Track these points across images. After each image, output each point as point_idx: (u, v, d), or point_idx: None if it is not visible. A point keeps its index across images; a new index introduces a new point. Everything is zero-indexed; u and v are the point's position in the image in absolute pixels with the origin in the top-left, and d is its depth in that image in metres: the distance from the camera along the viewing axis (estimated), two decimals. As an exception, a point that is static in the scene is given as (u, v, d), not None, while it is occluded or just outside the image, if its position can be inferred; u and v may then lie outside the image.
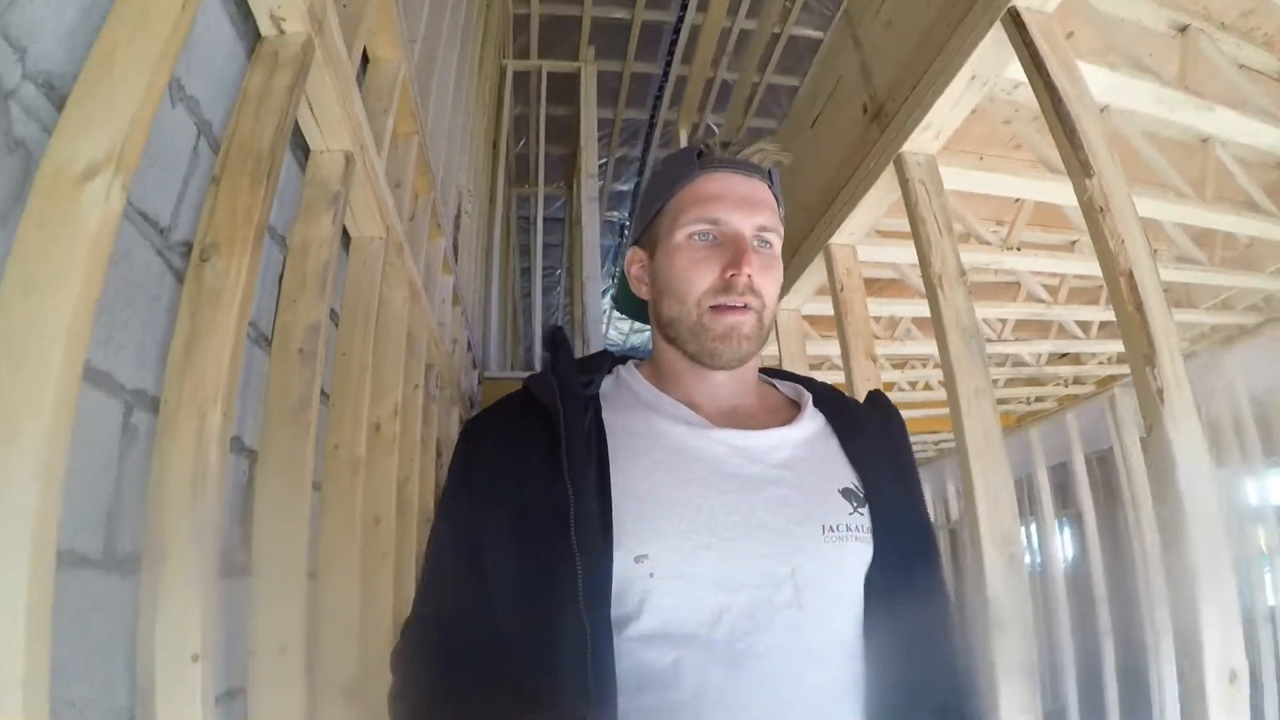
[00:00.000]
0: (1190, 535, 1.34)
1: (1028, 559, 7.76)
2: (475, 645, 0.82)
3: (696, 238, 0.93)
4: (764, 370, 1.06)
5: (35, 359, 0.74)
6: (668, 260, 0.95)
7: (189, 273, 1.16)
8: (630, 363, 1.03)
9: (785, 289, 3.07)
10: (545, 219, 7.67)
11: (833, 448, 0.95)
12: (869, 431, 0.99)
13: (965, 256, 3.20)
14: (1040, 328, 5.05)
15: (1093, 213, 1.53)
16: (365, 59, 2.15)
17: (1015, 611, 1.73)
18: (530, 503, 0.82)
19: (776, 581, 0.81)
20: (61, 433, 0.76)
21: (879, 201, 2.41)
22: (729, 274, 0.90)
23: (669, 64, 7.44)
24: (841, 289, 2.60)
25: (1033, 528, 7.90)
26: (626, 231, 10.45)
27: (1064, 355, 5.79)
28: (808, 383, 1.06)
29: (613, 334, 13.61)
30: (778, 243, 0.96)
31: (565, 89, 7.13)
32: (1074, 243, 3.65)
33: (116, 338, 1.05)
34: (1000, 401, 6.64)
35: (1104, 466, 7.32)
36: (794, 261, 2.94)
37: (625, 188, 9.56)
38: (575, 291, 7.44)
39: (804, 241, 2.86)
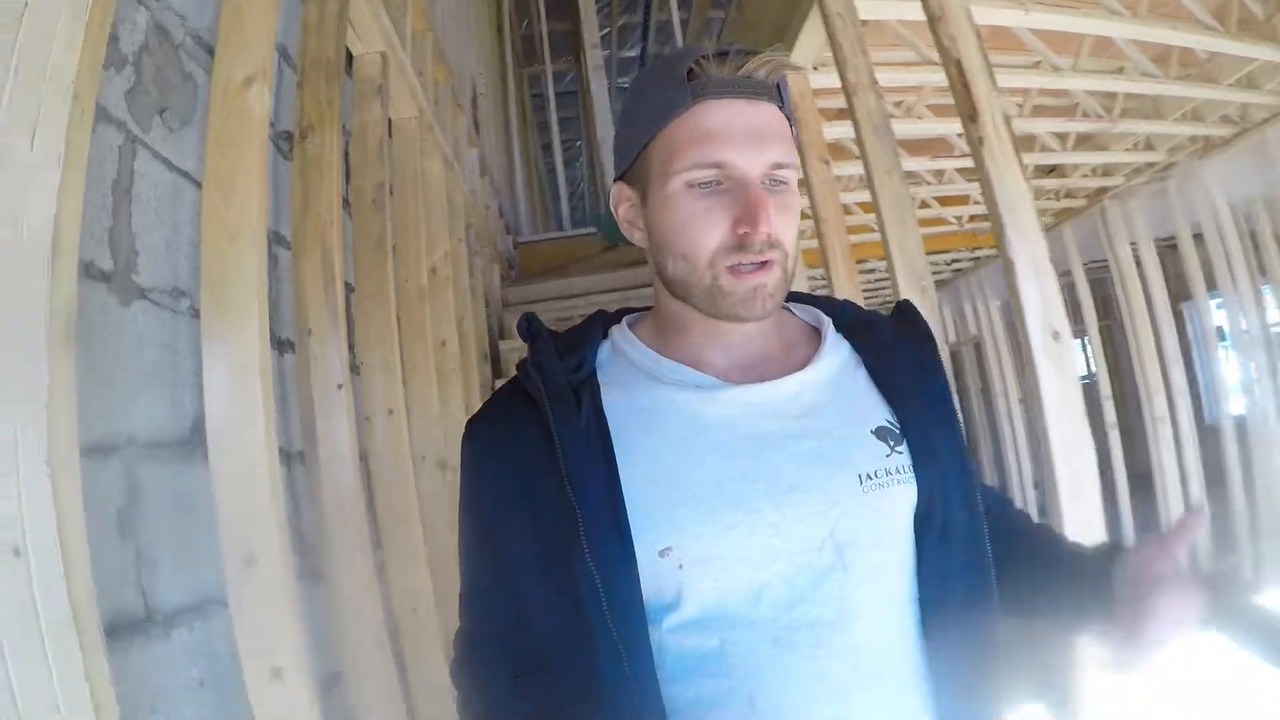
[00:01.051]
0: (1008, 237, 1.89)
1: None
2: (521, 662, 0.78)
3: (698, 187, 0.78)
4: None
5: (240, 188, 1.31)
6: (664, 212, 0.80)
7: (294, 149, 1.72)
8: (625, 321, 0.91)
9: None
10: (559, 94, 8.02)
11: (861, 380, 0.85)
12: (898, 353, 0.88)
13: (930, 77, 3.61)
14: (1020, 143, 5.27)
15: (933, 21, 2.01)
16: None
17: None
18: (542, 513, 0.77)
19: (815, 546, 0.75)
20: (262, 232, 1.33)
21: (814, 32, 2.85)
22: (742, 231, 0.76)
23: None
24: (795, 109, 3.06)
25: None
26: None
27: (1051, 169, 6.05)
28: (827, 305, 0.94)
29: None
30: (794, 177, 0.81)
31: (560, -35, 7.40)
32: (1036, 63, 3.96)
33: (260, 194, 1.63)
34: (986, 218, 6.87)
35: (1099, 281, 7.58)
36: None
37: (632, 54, 9.82)
38: (594, 159, 7.87)
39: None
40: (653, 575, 0.74)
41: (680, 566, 0.74)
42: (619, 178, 0.86)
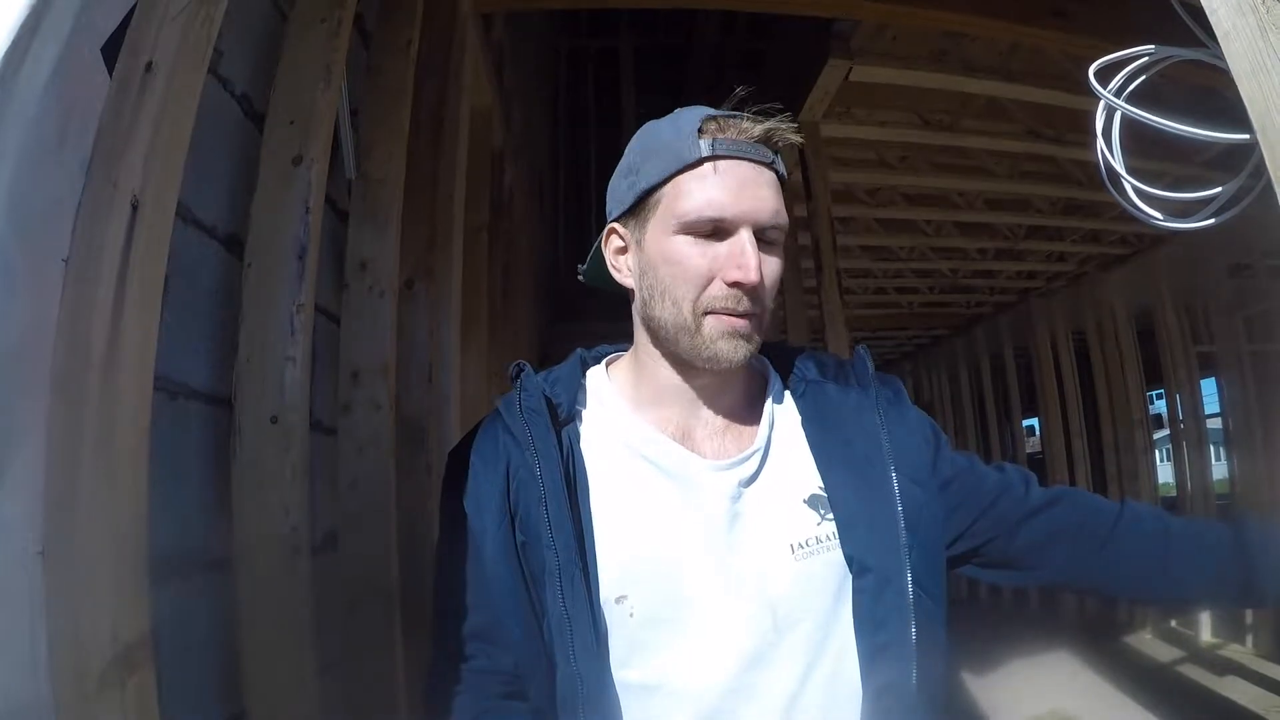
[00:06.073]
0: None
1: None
2: (489, 685, 0.81)
3: (697, 235, 0.78)
4: None
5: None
6: (660, 257, 0.80)
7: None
8: (606, 364, 0.92)
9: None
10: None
11: (799, 445, 0.85)
12: (837, 415, 0.87)
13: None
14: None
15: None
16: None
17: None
18: (524, 543, 0.78)
19: (755, 614, 0.77)
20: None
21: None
22: (733, 279, 0.76)
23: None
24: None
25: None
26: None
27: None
28: (780, 356, 0.93)
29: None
30: (782, 240, 0.82)
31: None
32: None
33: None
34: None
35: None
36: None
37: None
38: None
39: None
40: (607, 618, 0.76)
41: (631, 615, 0.76)
42: (614, 218, 0.86)
